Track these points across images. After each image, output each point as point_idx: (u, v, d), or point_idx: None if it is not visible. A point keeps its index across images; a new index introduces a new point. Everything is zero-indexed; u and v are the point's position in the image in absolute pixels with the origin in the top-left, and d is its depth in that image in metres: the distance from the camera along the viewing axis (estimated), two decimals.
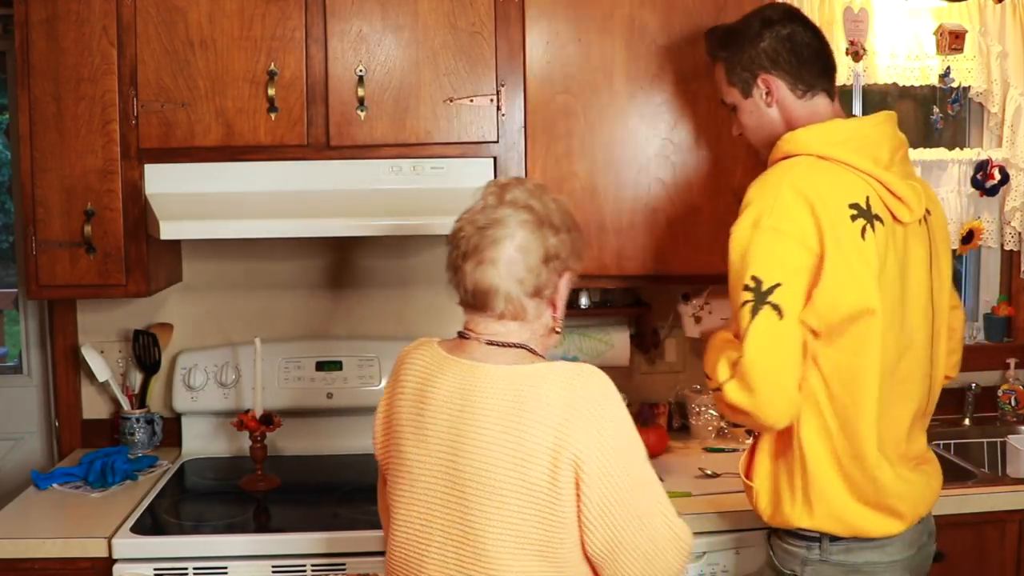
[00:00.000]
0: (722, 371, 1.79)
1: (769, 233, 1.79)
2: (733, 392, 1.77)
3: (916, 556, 1.95)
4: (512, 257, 1.58)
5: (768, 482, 1.94)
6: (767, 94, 2.00)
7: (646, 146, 2.53)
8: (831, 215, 1.79)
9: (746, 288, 1.77)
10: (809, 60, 1.98)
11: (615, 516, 1.53)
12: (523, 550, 1.53)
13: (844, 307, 1.78)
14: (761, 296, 1.76)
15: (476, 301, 1.62)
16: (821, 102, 2.00)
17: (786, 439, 1.89)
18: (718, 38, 2.10)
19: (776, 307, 1.75)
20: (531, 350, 1.64)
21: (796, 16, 2.03)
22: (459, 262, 1.62)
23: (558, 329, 1.69)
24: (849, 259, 1.78)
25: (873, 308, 1.79)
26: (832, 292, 1.78)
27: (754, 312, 1.75)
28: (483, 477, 1.54)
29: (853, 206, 1.81)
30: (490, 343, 1.63)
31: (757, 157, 2.10)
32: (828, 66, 2.02)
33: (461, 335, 1.68)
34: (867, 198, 1.83)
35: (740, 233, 1.82)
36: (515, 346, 1.63)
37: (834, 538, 1.89)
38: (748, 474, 1.98)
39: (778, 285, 1.76)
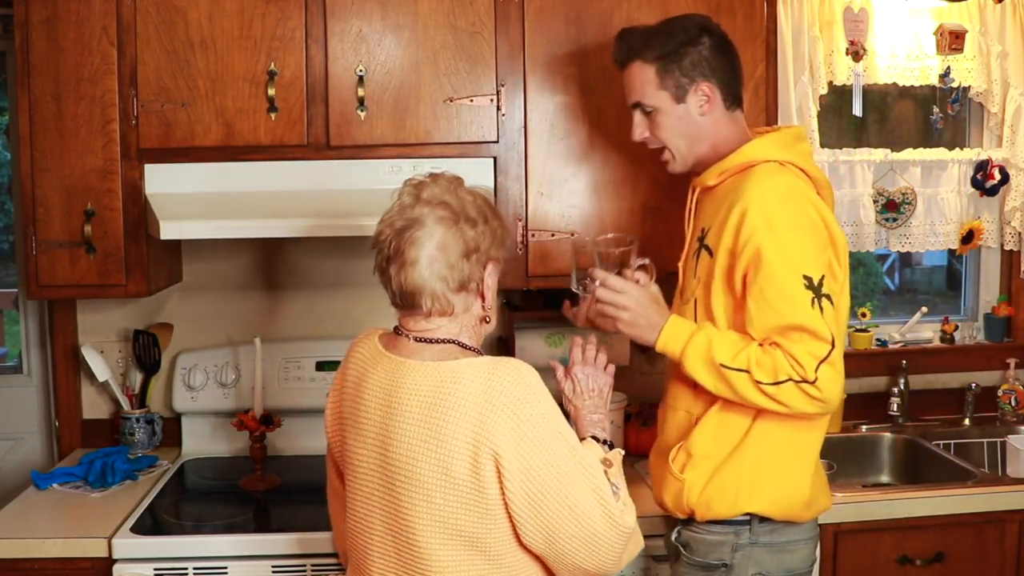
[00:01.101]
0: (809, 364, 1.77)
1: (795, 232, 1.83)
2: (828, 381, 1.78)
3: (819, 533, 2.05)
4: (433, 256, 1.60)
5: (704, 477, 1.93)
6: (706, 102, 1.96)
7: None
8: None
9: (805, 286, 1.80)
10: (738, 74, 2.01)
11: (544, 508, 1.54)
12: (453, 541, 1.56)
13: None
14: (817, 290, 1.80)
15: (404, 302, 1.65)
16: (740, 115, 2.04)
17: (736, 433, 1.91)
18: (646, 38, 1.98)
19: (829, 298, 1.81)
20: (461, 344, 1.66)
21: (718, 28, 2.01)
22: (384, 265, 1.64)
23: (488, 319, 1.70)
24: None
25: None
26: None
27: (821, 307, 1.80)
28: (409, 471, 1.57)
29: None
30: (419, 339, 1.65)
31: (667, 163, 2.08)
32: (743, 82, 2.06)
33: (396, 331, 1.71)
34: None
35: (759, 236, 1.82)
36: (443, 342, 1.64)
37: (762, 519, 1.92)
38: (683, 469, 1.95)
39: (824, 277, 1.82)
